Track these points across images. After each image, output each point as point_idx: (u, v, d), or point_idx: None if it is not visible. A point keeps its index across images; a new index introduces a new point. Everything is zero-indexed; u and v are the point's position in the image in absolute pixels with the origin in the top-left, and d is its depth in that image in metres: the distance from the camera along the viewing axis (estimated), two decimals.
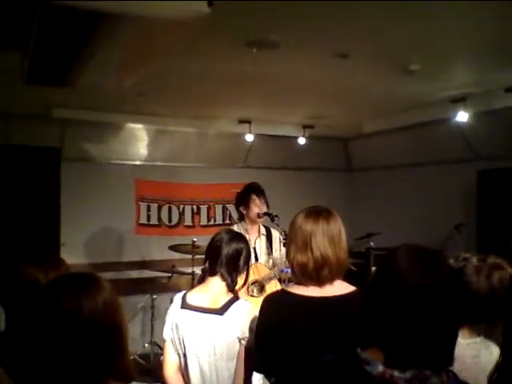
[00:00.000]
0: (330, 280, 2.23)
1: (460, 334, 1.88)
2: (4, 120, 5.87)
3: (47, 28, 3.13)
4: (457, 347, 1.83)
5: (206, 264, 2.77)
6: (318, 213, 2.29)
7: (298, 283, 2.27)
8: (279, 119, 6.86)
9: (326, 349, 1.50)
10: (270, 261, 4.57)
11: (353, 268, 2.39)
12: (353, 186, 8.43)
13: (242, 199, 4.61)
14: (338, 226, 2.28)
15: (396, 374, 1.31)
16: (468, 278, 1.94)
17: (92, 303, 1.47)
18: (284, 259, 4.20)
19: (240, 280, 2.81)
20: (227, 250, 2.72)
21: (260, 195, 4.56)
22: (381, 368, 1.33)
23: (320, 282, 2.22)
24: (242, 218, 4.66)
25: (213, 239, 2.81)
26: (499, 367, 1.45)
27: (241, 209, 4.62)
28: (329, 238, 2.23)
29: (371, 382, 1.33)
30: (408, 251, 1.41)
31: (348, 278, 2.30)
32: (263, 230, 4.66)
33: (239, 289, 2.84)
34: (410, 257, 1.39)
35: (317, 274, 2.20)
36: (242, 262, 2.76)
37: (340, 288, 2.24)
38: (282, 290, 2.48)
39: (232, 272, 2.71)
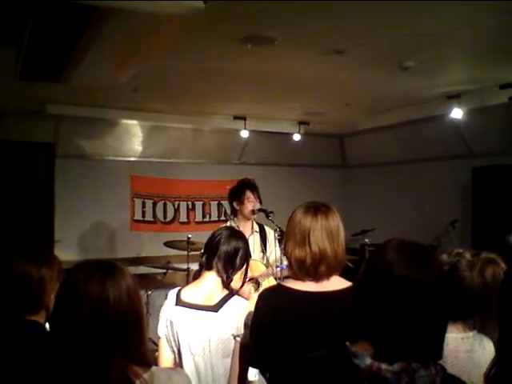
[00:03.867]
0: (327, 275, 2.23)
1: (454, 328, 1.90)
2: None
3: (41, 23, 3.12)
4: (450, 342, 1.85)
5: (203, 258, 2.76)
6: (316, 208, 2.28)
7: (295, 278, 2.26)
8: (274, 115, 6.85)
9: (321, 344, 1.49)
10: (264, 258, 4.56)
11: (350, 265, 2.38)
12: (348, 182, 8.44)
13: (236, 195, 4.59)
14: (336, 222, 2.27)
15: (383, 366, 1.32)
16: (461, 273, 1.95)
17: (117, 290, 1.50)
18: (279, 257, 4.20)
19: (237, 278, 2.79)
20: (226, 246, 2.71)
21: (254, 191, 4.55)
22: (369, 361, 1.34)
23: (317, 277, 2.21)
24: (234, 213, 4.64)
25: (213, 234, 2.80)
26: (496, 363, 1.45)
27: (234, 204, 4.60)
28: (327, 233, 2.22)
29: (359, 375, 1.33)
30: (398, 245, 1.42)
31: (345, 275, 2.29)
32: (256, 227, 4.64)
33: (239, 289, 2.82)
34: (400, 250, 1.40)
35: (314, 270, 2.20)
36: (238, 261, 2.75)
37: (336, 283, 2.24)
38: (279, 284, 2.47)
39: (228, 269, 2.70)
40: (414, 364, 1.31)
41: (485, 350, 1.90)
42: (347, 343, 1.41)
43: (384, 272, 1.37)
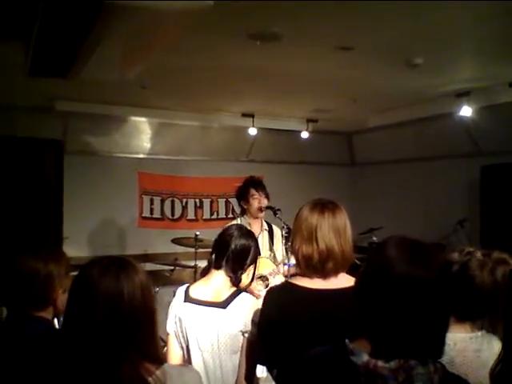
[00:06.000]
0: (335, 273, 2.22)
1: (462, 328, 1.89)
2: (7, 112, 5.86)
3: (50, 20, 3.13)
4: (459, 342, 1.84)
5: (212, 256, 2.75)
6: (323, 205, 2.28)
7: (303, 275, 2.26)
8: (282, 113, 6.85)
9: (328, 341, 1.49)
10: (272, 256, 4.55)
11: (357, 262, 2.38)
12: (356, 180, 8.43)
13: (242, 194, 4.59)
14: (343, 219, 2.26)
15: (380, 363, 1.31)
16: (472, 273, 1.93)
17: (131, 285, 1.50)
18: (286, 255, 4.19)
19: (246, 277, 2.79)
20: (235, 246, 2.69)
21: (259, 189, 4.53)
22: (365, 358, 1.33)
23: (324, 274, 2.21)
24: (243, 212, 4.65)
25: (223, 233, 2.79)
26: (502, 359, 1.44)
27: (242, 203, 4.61)
28: (334, 230, 2.22)
29: (356, 372, 1.33)
30: (398, 242, 1.41)
31: (352, 272, 2.29)
32: (265, 226, 4.64)
33: (246, 286, 2.82)
34: (400, 247, 1.39)
35: (321, 267, 2.20)
36: (248, 261, 2.74)
37: (344, 281, 2.23)
38: (286, 282, 2.47)
39: (237, 269, 2.69)
40: (411, 361, 1.31)
41: (493, 349, 1.88)
42: (346, 340, 1.41)
43: (384, 269, 1.36)
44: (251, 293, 3.03)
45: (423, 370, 1.30)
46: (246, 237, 2.76)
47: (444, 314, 1.39)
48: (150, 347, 1.52)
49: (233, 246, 2.69)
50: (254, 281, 4.13)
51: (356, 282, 1.49)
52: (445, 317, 1.39)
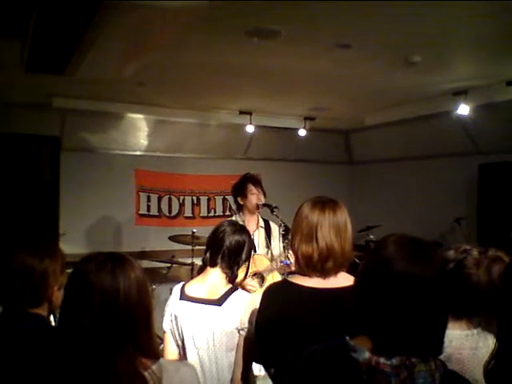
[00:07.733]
0: (335, 272, 2.21)
1: (458, 326, 1.89)
2: (4, 109, 5.85)
3: (46, 16, 3.12)
4: (455, 339, 1.84)
5: (207, 255, 2.75)
6: (324, 203, 2.25)
7: (302, 274, 2.25)
8: (280, 111, 6.85)
9: (327, 340, 1.49)
10: (269, 254, 4.54)
11: (357, 260, 2.37)
12: (353, 178, 8.44)
13: (239, 190, 4.59)
14: (344, 217, 2.24)
15: (382, 360, 1.32)
16: (468, 271, 1.93)
17: (127, 281, 1.50)
18: (283, 253, 4.19)
19: (241, 272, 2.79)
20: (230, 242, 2.69)
21: (257, 185, 4.55)
22: (367, 355, 1.34)
23: (324, 273, 2.19)
24: (240, 209, 4.64)
25: (215, 230, 2.78)
26: (495, 355, 1.45)
27: (238, 199, 4.60)
28: (335, 229, 2.20)
29: (358, 368, 1.33)
30: (398, 240, 1.42)
31: (351, 271, 2.28)
32: (262, 223, 4.64)
33: (240, 281, 2.82)
34: (400, 245, 1.39)
35: (321, 266, 2.18)
36: (243, 256, 2.74)
37: (343, 280, 2.22)
38: (285, 280, 2.45)
39: (233, 265, 2.70)
40: (413, 359, 1.31)
41: (489, 347, 1.88)
42: (347, 338, 1.41)
43: (384, 267, 1.37)
44: (244, 289, 3.03)
45: (425, 367, 1.32)
46: (240, 232, 2.76)
47: (444, 312, 1.40)
48: (146, 342, 1.52)
49: (227, 243, 2.69)
50: (249, 277, 4.16)
51: (356, 280, 1.49)
52: (445, 314, 1.40)
